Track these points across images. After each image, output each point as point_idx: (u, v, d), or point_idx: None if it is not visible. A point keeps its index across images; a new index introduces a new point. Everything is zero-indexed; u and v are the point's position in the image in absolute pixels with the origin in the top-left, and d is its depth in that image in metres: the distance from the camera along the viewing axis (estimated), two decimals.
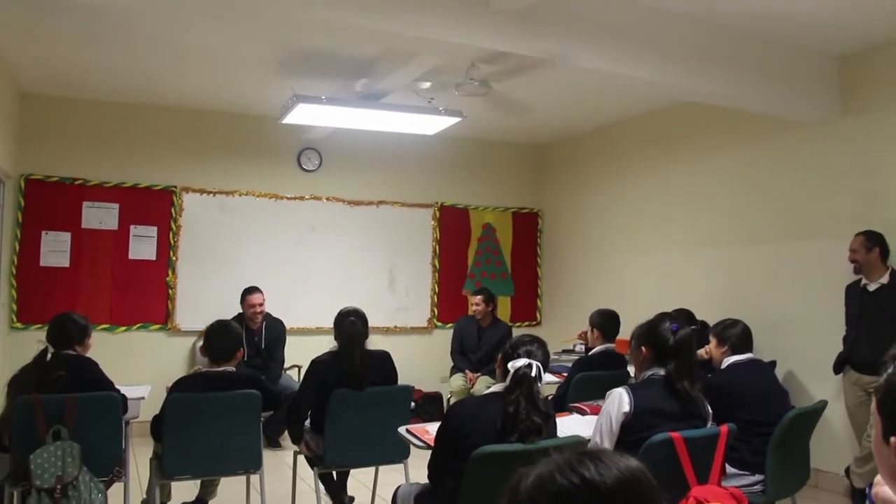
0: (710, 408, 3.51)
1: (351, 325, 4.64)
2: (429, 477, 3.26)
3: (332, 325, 4.82)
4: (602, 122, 8.08)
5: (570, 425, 3.94)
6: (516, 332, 8.59)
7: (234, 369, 4.40)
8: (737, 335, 4.45)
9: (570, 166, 8.84)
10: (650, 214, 7.52)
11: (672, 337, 3.39)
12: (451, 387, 7.39)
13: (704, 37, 5.00)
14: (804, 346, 5.81)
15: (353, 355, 4.55)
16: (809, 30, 5.11)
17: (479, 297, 7.55)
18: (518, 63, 4.72)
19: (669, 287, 7.06)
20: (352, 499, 5.14)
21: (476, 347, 7.43)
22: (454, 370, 7.46)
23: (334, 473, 4.88)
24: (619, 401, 3.33)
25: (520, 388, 3.05)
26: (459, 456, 2.98)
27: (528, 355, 3.13)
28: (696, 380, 3.41)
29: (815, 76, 5.56)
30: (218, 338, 4.42)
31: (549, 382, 6.13)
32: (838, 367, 5.30)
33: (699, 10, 4.83)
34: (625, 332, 5.77)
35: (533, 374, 3.07)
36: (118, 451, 4.17)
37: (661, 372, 3.38)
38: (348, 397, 4.46)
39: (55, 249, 7.18)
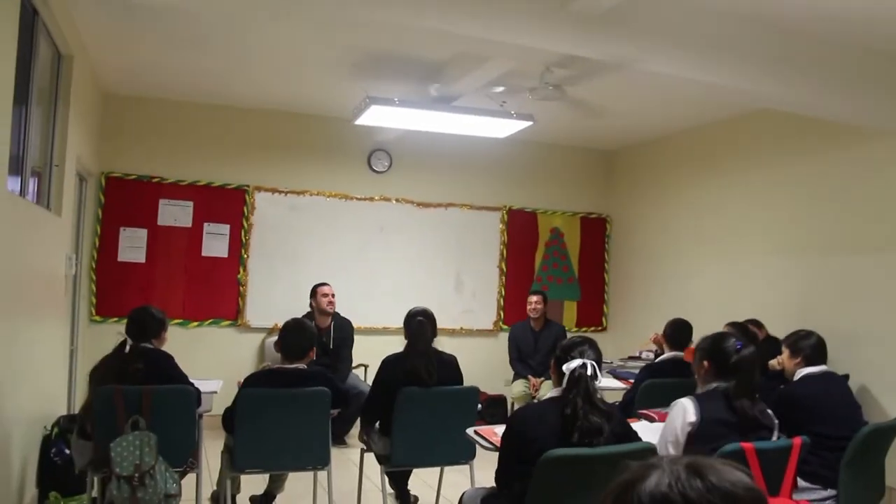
0: (776, 419, 3.48)
1: (418, 324, 4.71)
2: (496, 481, 3.27)
3: (399, 326, 4.89)
4: (673, 129, 7.99)
5: (638, 432, 3.91)
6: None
7: (306, 367, 4.48)
8: (811, 346, 4.37)
9: (639, 172, 8.76)
10: (721, 223, 7.41)
11: (735, 355, 3.38)
12: (512, 393, 7.38)
13: (783, 43, 4.89)
14: (879, 360, 5.65)
15: (418, 354, 4.61)
16: (886, 33, 4.97)
17: (538, 296, 7.57)
18: (593, 67, 4.70)
19: (740, 296, 6.94)
20: (416, 498, 5.19)
21: (533, 352, 7.42)
22: (516, 377, 7.45)
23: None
24: (684, 411, 3.35)
25: (576, 389, 3.03)
26: (526, 460, 2.99)
27: (582, 356, 3.12)
28: (756, 398, 3.38)
29: (893, 80, 5.39)
30: (293, 335, 4.51)
31: (616, 388, 6.11)
32: None
33: (777, 15, 4.74)
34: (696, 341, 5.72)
35: (588, 373, 3.06)
36: (192, 443, 4.28)
37: (724, 385, 3.39)
38: (416, 396, 4.51)
39: (132, 245, 7.38)
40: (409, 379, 4.55)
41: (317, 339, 4.79)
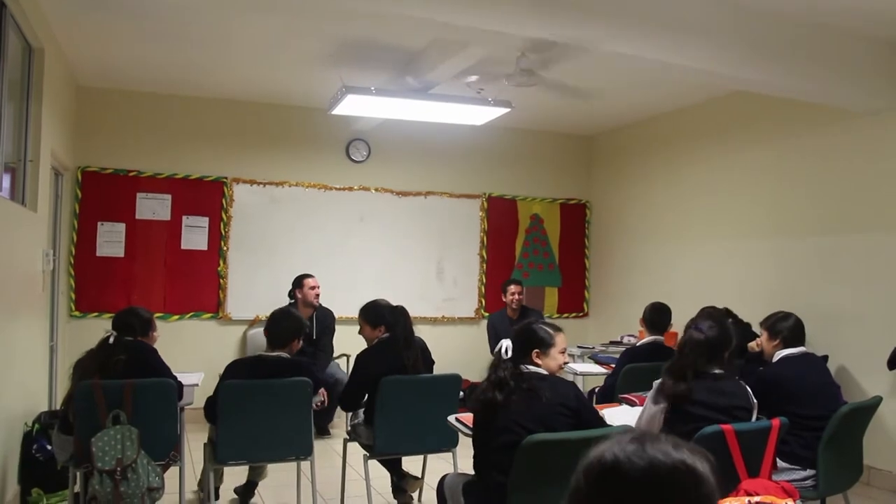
0: (755, 399, 3.52)
1: (402, 314, 4.73)
2: (474, 468, 3.32)
3: None
4: (651, 113, 8.02)
5: (619, 416, 3.95)
6: (564, 322, 8.62)
7: (288, 356, 4.49)
8: (789, 328, 4.39)
9: (618, 157, 8.79)
10: (700, 206, 7.45)
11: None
12: None
13: (755, 24, 4.91)
14: (857, 340, 5.72)
15: (411, 345, 4.66)
16: (862, 15, 4.99)
17: (518, 286, 7.60)
18: (568, 52, 4.70)
19: (720, 279, 6.99)
20: (414, 478, 5.15)
21: None
22: None
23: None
24: (658, 394, 3.42)
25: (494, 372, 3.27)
26: (487, 443, 3.09)
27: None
28: (690, 381, 3.39)
29: (868, 63, 5.41)
30: (276, 323, 4.55)
31: (597, 373, 6.14)
32: (893, 362, 5.19)
33: None
34: (677, 325, 5.76)
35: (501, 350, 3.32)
36: (174, 436, 4.27)
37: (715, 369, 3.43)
38: (398, 385, 4.52)
39: (111, 240, 7.34)
40: (398, 370, 4.57)
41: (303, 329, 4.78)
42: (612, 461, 1.24)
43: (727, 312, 5.88)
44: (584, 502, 1.26)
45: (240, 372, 4.40)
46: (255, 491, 5.04)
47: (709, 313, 5.72)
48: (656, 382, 3.47)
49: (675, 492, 1.22)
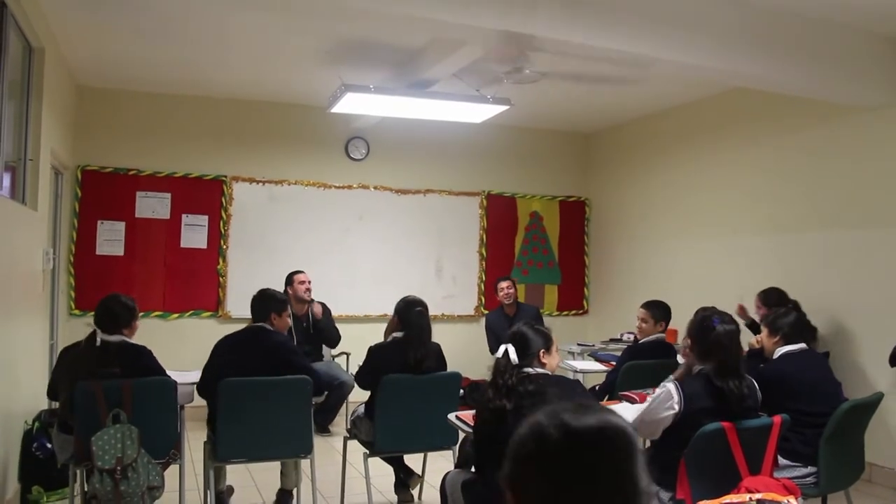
0: (760, 395, 3.51)
1: (419, 315, 4.70)
2: (475, 465, 3.32)
3: (381, 313, 4.88)
4: (650, 110, 8.01)
5: (619, 413, 3.93)
6: (564, 320, 8.64)
7: (269, 327, 4.62)
8: (789, 325, 4.38)
9: (617, 154, 8.78)
10: (699, 203, 7.45)
11: (711, 333, 3.41)
12: None
13: (756, 20, 4.91)
14: (858, 337, 5.71)
15: (421, 346, 4.63)
16: (861, 10, 4.99)
17: (507, 282, 7.63)
18: (567, 49, 4.69)
19: (718, 276, 6.98)
20: (418, 476, 5.16)
21: None
22: None
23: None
24: (668, 400, 3.36)
25: (500, 378, 3.20)
26: (484, 438, 3.11)
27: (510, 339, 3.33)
28: (741, 376, 3.37)
29: (867, 58, 5.41)
30: (255, 301, 4.79)
31: (597, 371, 6.14)
32: (894, 359, 5.17)
33: None
34: (675, 322, 5.76)
35: (499, 354, 3.28)
36: (174, 435, 4.26)
37: (706, 367, 3.42)
38: (399, 383, 4.52)
39: (110, 238, 7.33)
40: (406, 369, 4.57)
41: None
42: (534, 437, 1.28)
43: (795, 306, 5.84)
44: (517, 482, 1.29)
45: (230, 345, 4.57)
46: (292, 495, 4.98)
47: (767, 298, 5.70)
48: (670, 384, 3.43)
49: (600, 452, 1.27)
